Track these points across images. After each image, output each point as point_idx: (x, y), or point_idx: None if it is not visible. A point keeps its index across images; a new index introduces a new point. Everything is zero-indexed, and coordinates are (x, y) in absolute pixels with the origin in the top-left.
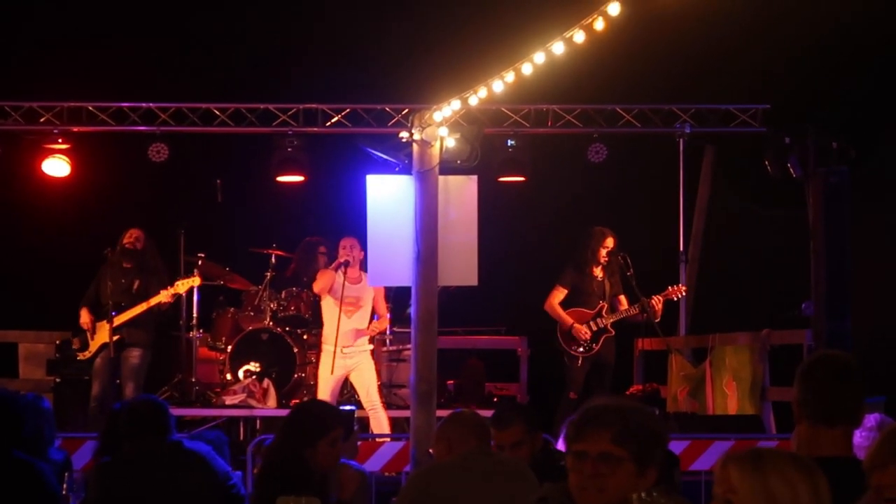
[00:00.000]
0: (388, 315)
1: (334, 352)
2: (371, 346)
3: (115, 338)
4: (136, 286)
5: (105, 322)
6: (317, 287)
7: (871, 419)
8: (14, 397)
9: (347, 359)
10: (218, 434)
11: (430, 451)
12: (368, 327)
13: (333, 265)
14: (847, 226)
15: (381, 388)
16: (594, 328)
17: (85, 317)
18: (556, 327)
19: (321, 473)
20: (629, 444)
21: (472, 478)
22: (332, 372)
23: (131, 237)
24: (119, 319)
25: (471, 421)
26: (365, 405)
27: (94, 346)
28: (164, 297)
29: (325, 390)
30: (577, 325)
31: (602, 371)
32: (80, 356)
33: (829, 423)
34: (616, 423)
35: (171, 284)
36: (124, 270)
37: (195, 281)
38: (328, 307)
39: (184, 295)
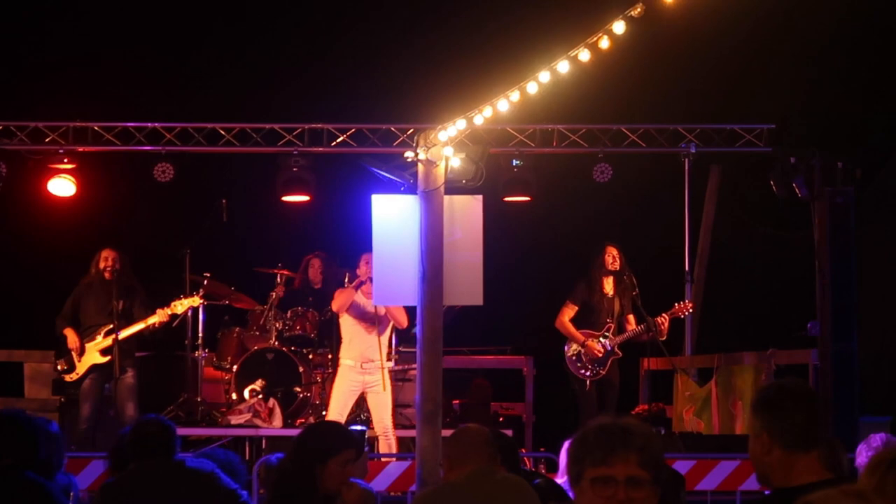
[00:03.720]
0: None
1: (354, 367)
2: (390, 364)
3: (106, 359)
4: (120, 307)
5: (92, 344)
6: (335, 305)
7: (877, 438)
8: (31, 419)
9: (367, 374)
10: (226, 453)
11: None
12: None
13: (353, 284)
14: (852, 246)
15: (394, 412)
16: (607, 347)
17: (73, 337)
18: (564, 351)
19: (327, 494)
20: (651, 467)
21: (476, 499)
22: (348, 387)
23: (108, 259)
24: (123, 333)
25: (475, 438)
26: (377, 428)
27: (81, 367)
28: (161, 316)
29: (338, 406)
30: (589, 343)
31: (607, 392)
32: (67, 378)
33: (806, 448)
34: (641, 446)
35: (151, 304)
36: (105, 292)
37: (194, 301)
38: (346, 323)
39: (189, 315)
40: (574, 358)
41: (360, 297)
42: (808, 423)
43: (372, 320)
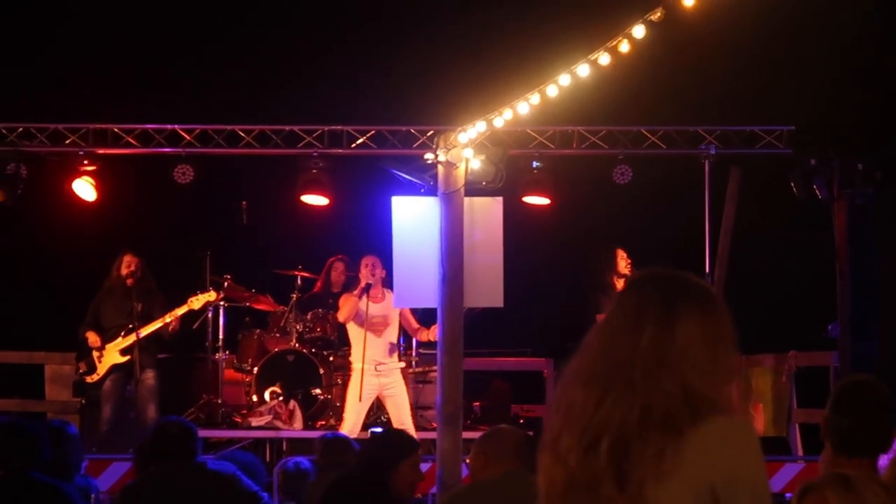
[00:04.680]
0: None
1: (362, 369)
2: (402, 364)
3: (126, 358)
4: (139, 310)
5: (112, 345)
6: (341, 316)
7: None
8: (26, 424)
9: (382, 377)
10: (246, 455)
11: (466, 460)
12: (428, 336)
13: (357, 291)
14: (873, 247)
15: (414, 414)
16: None
17: (94, 337)
18: None
19: (399, 497)
20: None
21: (508, 500)
22: (360, 392)
23: (130, 264)
24: (143, 332)
25: (511, 438)
26: (396, 427)
27: (102, 368)
28: (181, 311)
29: (354, 410)
30: None
31: None
32: (88, 379)
33: (850, 454)
34: None
35: (170, 307)
36: (126, 295)
37: (210, 296)
38: (353, 329)
39: (209, 317)
40: None
41: (364, 303)
42: (859, 431)
43: (379, 322)
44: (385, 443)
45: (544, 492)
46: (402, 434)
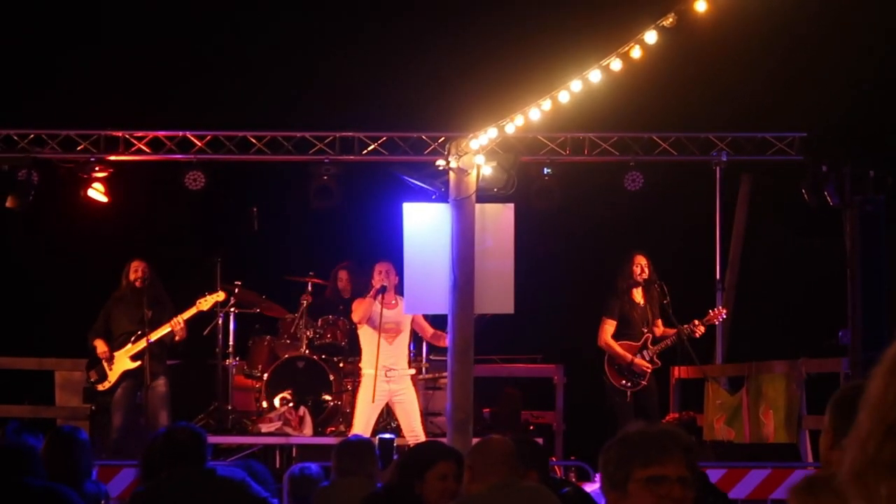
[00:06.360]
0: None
1: (375, 376)
2: (413, 371)
3: (136, 364)
4: (149, 317)
5: (122, 351)
6: (356, 317)
7: None
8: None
9: (392, 383)
10: (252, 464)
11: None
12: (440, 341)
13: (371, 293)
14: (884, 254)
15: (424, 420)
16: (647, 358)
17: (102, 346)
18: (605, 362)
19: None
20: (693, 469)
21: None
22: (373, 397)
23: (138, 271)
24: (153, 336)
25: (499, 450)
26: (407, 436)
27: (112, 375)
28: (190, 312)
29: (364, 416)
30: (637, 360)
31: (648, 400)
32: (100, 387)
33: None
34: (688, 448)
35: (178, 312)
36: (136, 302)
37: (219, 296)
38: (366, 333)
39: (220, 323)
40: (615, 370)
41: (377, 306)
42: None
43: (392, 328)
44: (411, 453)
45: (845, 470)
46: (431, 444)
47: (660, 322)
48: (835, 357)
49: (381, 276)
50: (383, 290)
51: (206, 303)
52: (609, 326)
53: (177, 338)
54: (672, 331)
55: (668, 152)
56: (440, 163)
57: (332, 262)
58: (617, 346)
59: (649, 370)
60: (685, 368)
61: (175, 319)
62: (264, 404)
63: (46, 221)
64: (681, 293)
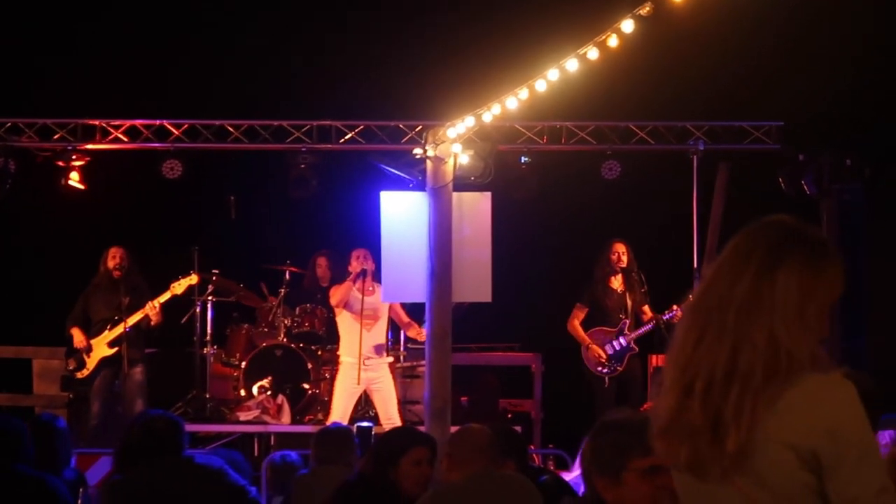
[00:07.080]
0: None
1: (359, 365)
2: (391, 359)
3: (114, 350)
4: (126, 303)
5: (99, 338)
6: (333, 301)
7: (885, 436)
8: (9, 420)
9: (370, 371)
10: (230, 452)
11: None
12: (417, 334)
13: (351, 277)
14: (861, 243)
15: (401, 408)
16: (616, 347)
17: (79, 336)
18: (581, 349)
19: (408, 496)
20: None
21: (476, 501)
22: (357, 383)
23: (116, 257)
24: (130, 321)
25: (478, 439)
26: (384, 423)
27: (91, 362)
28: (164, 297)
29: (341, 404)
30: (593, 347)
31: (630, 387)
32: (79, 375)
33: None
34: None
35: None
36: (113, 289)
37: (192, 279)
38: (345, 320)
39: (198, 311)
40: (592, 356)
41: (356, 293)
42: None
43: (370, 315)
44: (383, 440)
45: (653, 425)
46: (403, 430)
47: (647, 308)
48: None
49: (358, 261)
50: (364, 273)
51: (179, 286)
52: (579, 312)
53: (152, 322)
54: (654, 321)
55: (646, 141)
56: (417, 151)
57: (309, 250)
58: (580, 331)
59: (603, 360)
60: (663, 356)
61: (150, 304)
62: (242, 392)
63: (23, 210)
64: (659, 282)
